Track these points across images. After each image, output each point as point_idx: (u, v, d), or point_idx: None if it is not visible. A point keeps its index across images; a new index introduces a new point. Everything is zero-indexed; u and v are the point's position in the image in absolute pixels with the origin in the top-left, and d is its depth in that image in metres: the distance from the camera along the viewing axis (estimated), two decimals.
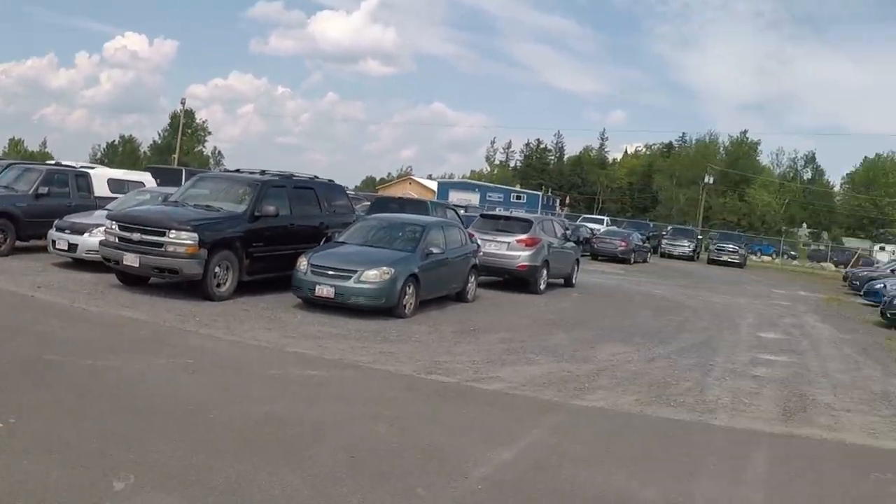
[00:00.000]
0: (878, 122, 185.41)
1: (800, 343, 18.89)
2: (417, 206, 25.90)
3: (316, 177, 20.32)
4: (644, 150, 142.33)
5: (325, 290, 15.63)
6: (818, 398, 12.59)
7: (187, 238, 15.26)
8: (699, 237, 63.06)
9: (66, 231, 18.35)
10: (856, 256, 67.58)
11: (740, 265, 54.65)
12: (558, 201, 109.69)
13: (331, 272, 15.79)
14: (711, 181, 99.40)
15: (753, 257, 70.07)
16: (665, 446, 9.11)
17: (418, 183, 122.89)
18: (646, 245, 48.86)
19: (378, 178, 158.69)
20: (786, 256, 78.82)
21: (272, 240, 17.13)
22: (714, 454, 8.93)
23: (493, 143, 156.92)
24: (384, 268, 15.87)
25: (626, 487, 7.52)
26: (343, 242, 17.52)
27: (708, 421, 10.48)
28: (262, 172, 18.48)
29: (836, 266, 69.61)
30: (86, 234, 18.00)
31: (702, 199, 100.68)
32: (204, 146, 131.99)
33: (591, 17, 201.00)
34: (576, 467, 7.93)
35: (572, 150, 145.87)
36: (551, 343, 15.14)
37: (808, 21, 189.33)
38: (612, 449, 8.77)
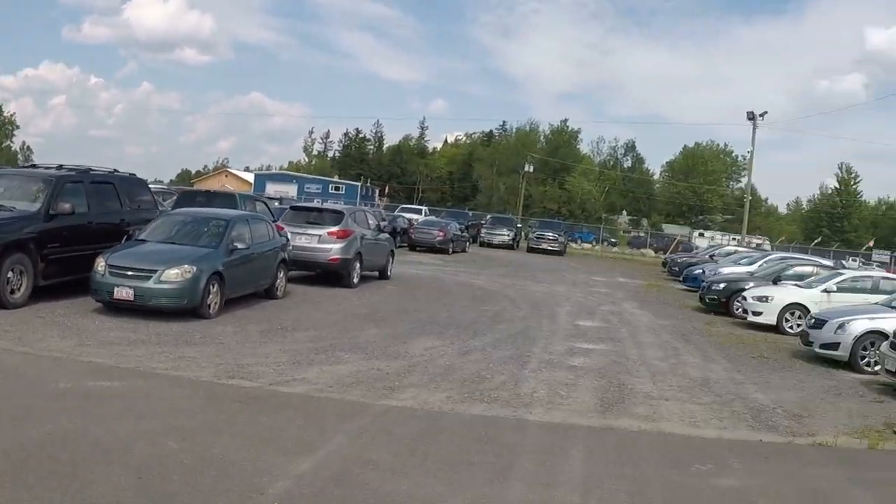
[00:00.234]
0: (696, 112, 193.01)
1: (618, 331, 18.98)
2: (226, 199, 25.01)
3: (116, 170, 19.13)
4: (464, 139, 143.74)
5: (124, 293, 14.65)
6: (637, 387, 12.51)
7: None
8: (518, 226, 63.49)
9: None
10: (675, 243, 69.69)
11: (560, 253, 55.30)
12: (377, 192, 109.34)
13: (130, 273, 14.81)
14: (531, 170, 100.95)
15: (573, 245, 71.36)
16: (477, 447, 8.69)
17: (235, 176, 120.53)
18: (464, 234, 48.87)
19: (194, 171, 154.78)
20: (606, 243, 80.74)
21: (69, 240, 15.92)
22: (529, 453, 8.59)
23: (311, 133, 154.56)
24: (186, 266, 15.01)
25: (433, 495, 7.08)
26: (144, 240, 16.47)
27: (523, 416, 10.17)
28: (60, 167, 17.27)
29: (655, 252, 71.66)
30: None
31: (522, 188, 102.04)
32: (12, 141, 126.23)
33: (414, 4, 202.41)
34: (381, 476, 7.42)
35: (392, 139, 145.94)
36: (362, 339, 14.61)
37: (630, 13, 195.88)
38: (420, 453, 8.28)
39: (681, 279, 35.83)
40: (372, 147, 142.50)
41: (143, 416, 8.80)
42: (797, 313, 21.74)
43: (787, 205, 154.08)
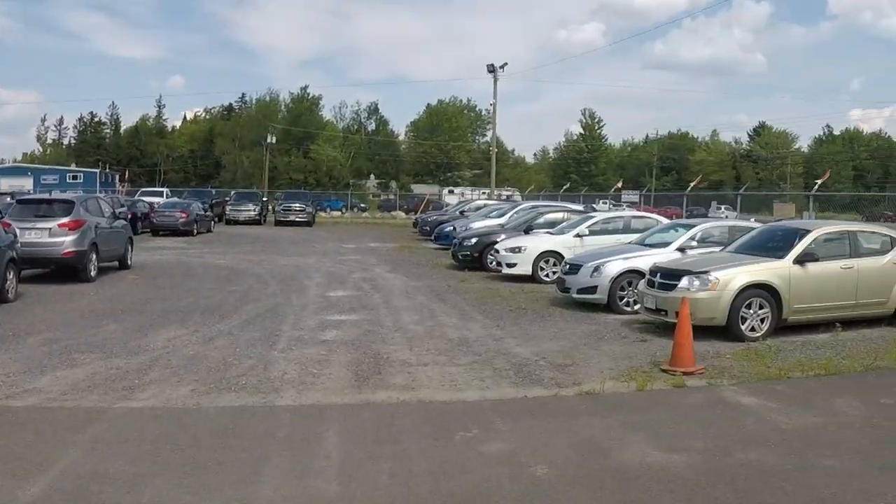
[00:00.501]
0: (439, 70, 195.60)
1: (371, 298, 18.61)
2: None
3: None
4: (204, 114, 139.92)
5: None
6: (393, 355, 12.13)
7: None
8: (265, 199, 62.64)
9: None
10: (425, 202, 70.15)
11: (309, 223, 54.94)
12: (118, 177, 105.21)
13: None
14: (274, 140, 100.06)
15: (323, 214, 71.14)
16: (226, 443, 7.98)
17: None
18: (208, 214, 47.67)
19: None
20: (356, 209, 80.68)
21: None
22: (282, 443, 7.97)
23: (43, 121, 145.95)
24: None
25: None
26: None
27: (273, 402, 9.54)
28: None
29: (406, 214, 72.08)
30: None
31: (266, 160, 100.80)
32: None
33: None
34: (119, 491, 6.63)
35: (130, 121, 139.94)
36: (100, 337, 13.49)
37: None
38: (163, 459, 7.47)
39: (433, 238, 35.89)
40: (108, 131, 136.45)
41: None
42: (552, 261, 22.00)
43: (535, 154, 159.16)
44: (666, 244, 18.12)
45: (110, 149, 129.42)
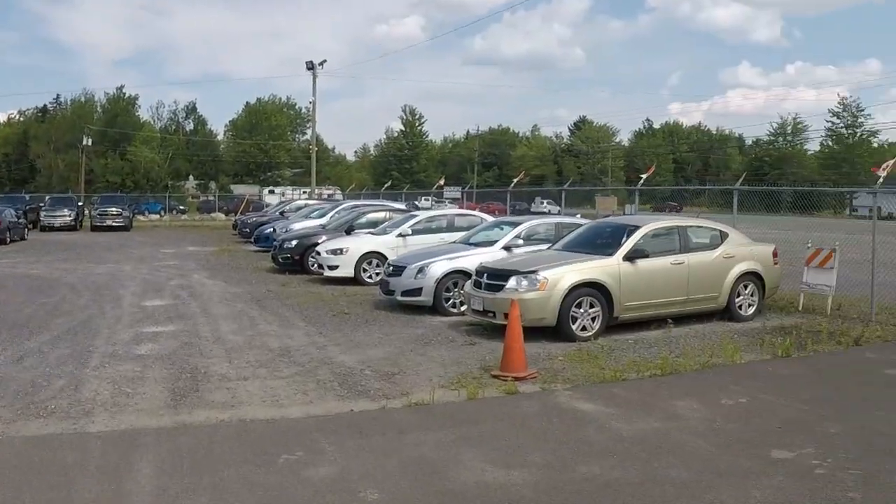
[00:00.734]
0: (258, 68, 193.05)
1: (189, 306, 17.76)
2: None
3: None
4: (18, 116, 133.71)
5: None
6: (211, 369, 11.45)
7: None
8: (80, 204, 60.32)
9: None
10: (244, 203, 68.68)
11: (126, 228, 53.25)
12: None
13: None
14: (90, 143, 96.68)
15: (141, 217, 69.04)
16: (30, 479, 7.13)
17: None
18: (21, 220, 45.26)
19: None
20: (175, 212, 78.49)
21: None
22: (91, 476, 7.19)
23: None
24: None
25: None
26: None
27: (84, 428, 8.71)
28: None
29: (226, 215, 70.54)
30: None
31: (82, 163, 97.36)
32: None
33: None
34: None
35: None
36: None
37: None
38: None
39: (253, 240, 34.93)
40: None
41: None
42: (375, 262, 21.62)
43: (356, 152, 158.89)
44: (491, 243, 17.90)
45: None
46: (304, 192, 70.82)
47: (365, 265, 21.76)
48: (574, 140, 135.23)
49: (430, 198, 65.90)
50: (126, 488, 6.93)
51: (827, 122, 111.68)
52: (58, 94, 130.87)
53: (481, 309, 14.23)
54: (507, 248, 17.32)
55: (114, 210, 54.47)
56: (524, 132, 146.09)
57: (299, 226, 30.30)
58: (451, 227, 22.19)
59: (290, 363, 11.89)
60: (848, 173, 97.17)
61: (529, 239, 18.01)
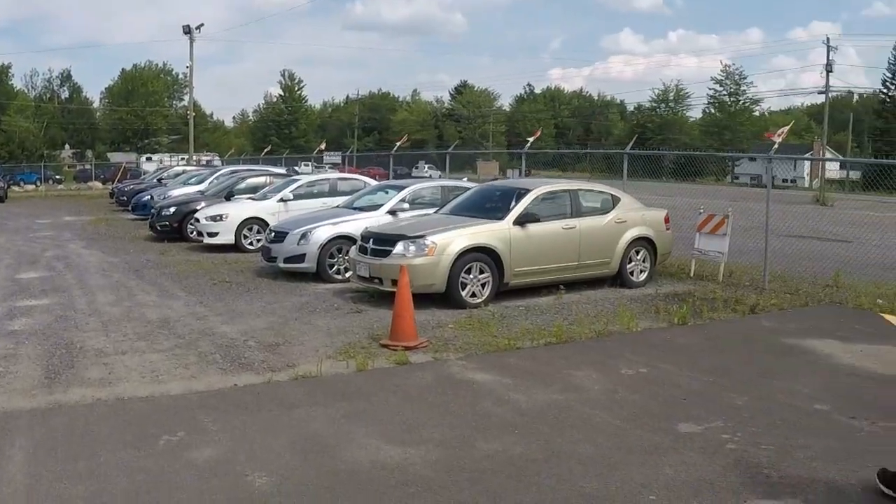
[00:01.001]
0: (133, 34, 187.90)
1: (64, 278, 16.83)
2: None
3: None
4: None
5: None
6: (88, 344, 10.72)
7: None
8: None
9: None
10: (121, 170, 66.64)
11: (1, 199, 51.03)
12: None
13: None
14: None
15: (16, 188, 66.53)
16: None
17: None
18: None
19: None
20: (51, 182, 75.85)
21: None
22: None
23: None
24: None
25: None
26: None
27: None
28: None
29: (103, 184, 68.45)
30: None
31: None
32: None
33: None
34: None
35: None
36: None
37: None
38: None
39: (130, 208, 33.72)
40: None
41: None
42: (255, 228, 20.91)
43: (234, 118, 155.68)
44: (376, 207, 17.33)
45: None
46: (182, 159, 69.03)
47: (246, 231, 21.03)
48: (455, 105, 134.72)
49: (310, 163, 64.81)
50: None
51: (710, 89, 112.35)
52: None
53: (367, 275, 13.70)
54: (392, 212, 16.80)
55: None
56: (405, 97, 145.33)
57: (177, 192, 29.25)
58: (333, 192, 21.60)
59: (170, 335, 11.24)
60: (730, 140, 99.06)
61: (415, 203, 17.49)
